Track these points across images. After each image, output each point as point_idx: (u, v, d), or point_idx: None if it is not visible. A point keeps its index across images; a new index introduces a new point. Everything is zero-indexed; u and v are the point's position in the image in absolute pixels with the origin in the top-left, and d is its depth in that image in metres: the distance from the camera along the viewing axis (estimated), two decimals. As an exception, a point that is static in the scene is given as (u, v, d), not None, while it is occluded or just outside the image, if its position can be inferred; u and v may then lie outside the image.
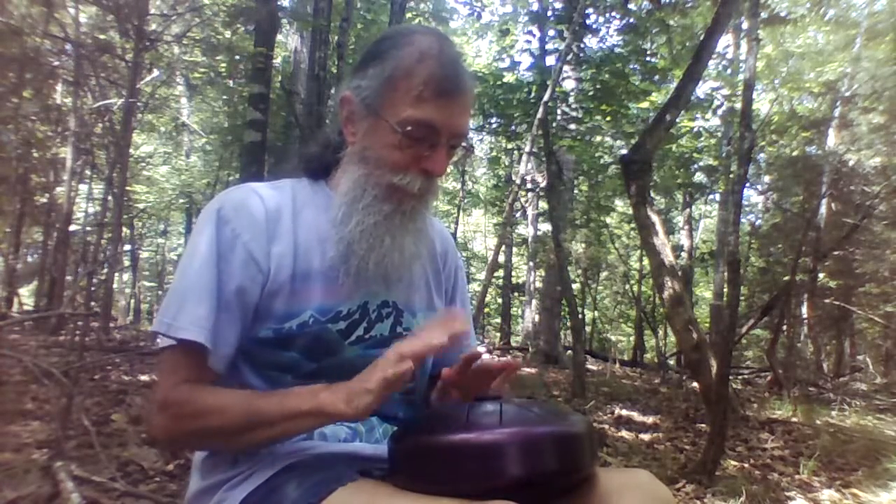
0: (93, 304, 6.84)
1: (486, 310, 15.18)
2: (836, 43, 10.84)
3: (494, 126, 9.67)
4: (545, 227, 9.94)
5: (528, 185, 9.48)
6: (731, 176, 8.01)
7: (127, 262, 12.99)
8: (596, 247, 11.10)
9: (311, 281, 0.96)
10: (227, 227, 0.93)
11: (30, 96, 7.38)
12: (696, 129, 9.50)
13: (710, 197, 12.20)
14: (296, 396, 0.88)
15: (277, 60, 9.46)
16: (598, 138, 9.66)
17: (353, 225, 0.95)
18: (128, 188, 8.98)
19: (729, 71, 9.50)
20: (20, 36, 5.64)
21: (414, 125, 0.92)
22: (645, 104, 8.42)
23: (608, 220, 11.02)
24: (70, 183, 8.05)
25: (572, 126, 8.49)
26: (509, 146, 11.29)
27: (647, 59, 8.19)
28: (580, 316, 8.06)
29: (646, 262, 8.84)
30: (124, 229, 10.52)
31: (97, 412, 3.44)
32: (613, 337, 13.76)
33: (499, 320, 15.27)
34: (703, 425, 4.58)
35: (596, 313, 13.60)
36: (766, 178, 11.27)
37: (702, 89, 8.65)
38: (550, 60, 8.78)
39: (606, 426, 4.57)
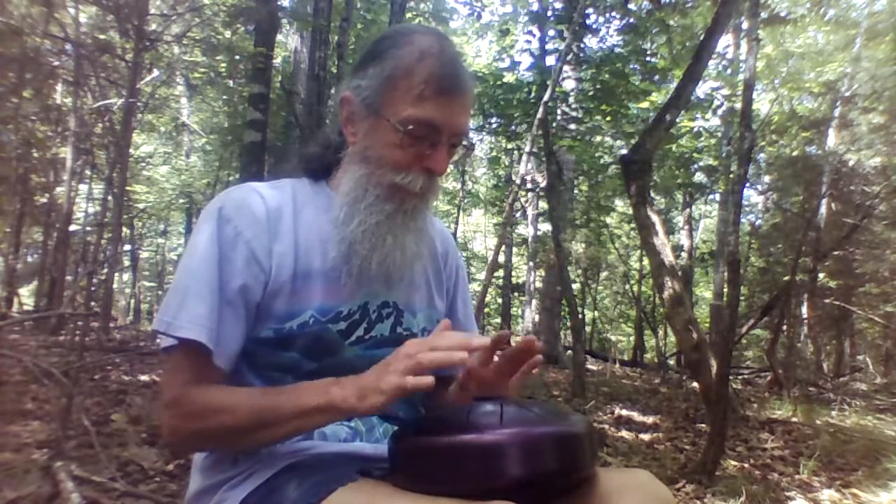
0: (93, 304, 6.84)
1: (486, 310, 15.18)
2: (836, 43, 10.85)
3: (494, 126, 9.66)
4: (545, 227, 9.95)
5: (528, 185, 9.47)
6: (731, 176, 8.01)
7: (127, 262, 12.99)
8: (596, 247, 11.11)
9: (312, 281, 0.96)
10: (229, 226, 0.93)
11: (30, 96, 7.38)
12: (696, 129, 9.49)
13: (710, 197, 12.20)
14: (306, 392, 0.88)
15: (277, 60, 9.46)
16: (598, 138, 9.65)
17: (356, 225, 0.95)
18: (128, 188, 8.98)
19: (729, 71, 9.49)
20: (20, 36, 5.63)
21: (415, 124, 0.92)
22: (645, 104, 8.42)
23: (608, 220, 11.02)
24: (70, 183, 8.05)
25: (572, 126, 8.49)
26: (509, 146, 11.29)
27: (647, 59, 8.19)
28: (580, 316, 8.06)
29: (646, 262, 8.85)
30: (124, 229, 10.52)
31: (97, 412, 3.44)
32: (613, 337, 13.76)
33: (499, 320, 15.27)
34: (703, 425, 4.59)
35: (596, 313, 13.60)
36: (766, 178, 11.27)
37: (702, 89, 8.66)
38: (550, 60, 8.78)
39: (606, 426, 4.57)
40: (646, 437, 4.35)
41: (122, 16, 5.38)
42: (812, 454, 3.84)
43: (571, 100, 8.44)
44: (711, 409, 3.40)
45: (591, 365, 9.54)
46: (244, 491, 0.90)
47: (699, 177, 10.38)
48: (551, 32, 8.90)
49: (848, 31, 10.61)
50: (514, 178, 10.32)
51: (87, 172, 9.68)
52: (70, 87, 7.70)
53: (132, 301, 14.93)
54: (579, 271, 11.06)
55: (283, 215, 0.97)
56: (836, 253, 9.23)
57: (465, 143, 1.00)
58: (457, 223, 13.56)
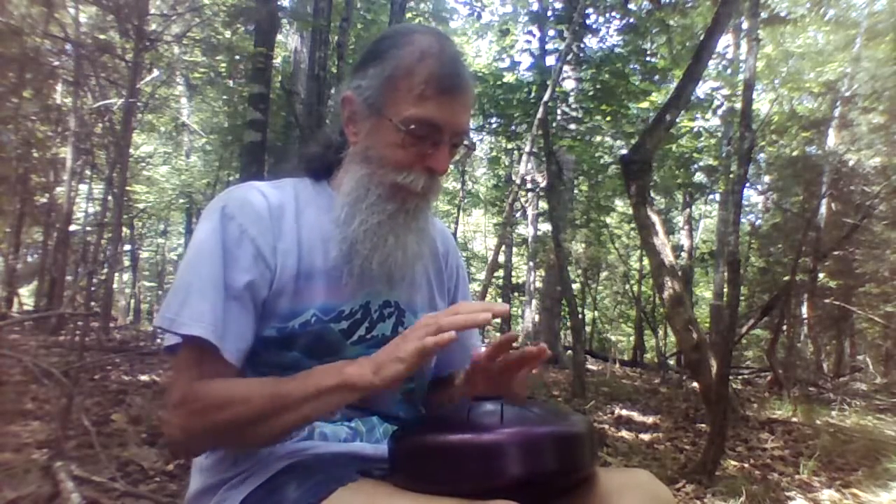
0: (93, 304, 6.84)
1: (486, 310, 15.13)
2: (836, 43, 10.85)
3: (494, 126, 9.66)
4: (545, 227, 9.94)
5: (528, 185, 9.47)
6: (731, 176, 8.01)
7: (127, 262, 12.98)
8: (596, 247, 11.11)
9: (314, 280, 0.96)
10: (233, 223, 0.92)
11: (30, 96, 7.38)
12: (696, 129, 9.50)
13: (710, 197, 12.20)
14: (320, 374, 0.87)
15: (277, 60, 9.45)
16: (598, 138, 9.66)
17: (357, 224, 0.95)
18: (128, 188, 8.98)
19: (729, 71, 9.50)
20: (20, 36, 5.63)
21: (417, 123, 0.92)
22: (645, 104, 8.42)
23: (608, 220, 11.02)
24: (70, 183, 8.05)
25: (572, 126, 8.49)
26: (509, 146, 11.29)
27: (647, 59, 8.20)
28: (580, 316, 8.06)
29: (646, 262, 8.85)
30: (124, 229, 10.52)
31: (97, 412, 3.44)
32: (613, 337, 13.77)
33: (499, 320, 15.25)
34: (703, 425, 4.59)
35: (596, 313, 13.60)
36: (766, 178, 11.28)
37: (702, 89, 8.66)
38: (550, 60, 8.79)
39: (606, 426, 4.57)
40: (646, 437, 4.35)
41: (122, 16, 5.38)
42: (812, 454, 3.84)
43: (571, 100, 8.45)
44: (711, 409, 3.40)
45: (591, 365, 9.54)
46: (244, 491, 0.90)
47: (699, 177, 10.38)
48: (551, 32, 8.91)
49: (848, 31, 10.61)
50: (514, 178, 10.32)
51: (87, 172, 9.68)
52: (70, 87, 7.71)
53: (132, 301, 14.93)
54: (579, 271, 11.06)
55: (286, 214, 0.98)
56: (836, 253, 9.23)
57: (465, 142, 1.00)
58: (457, 223, 13.56)
